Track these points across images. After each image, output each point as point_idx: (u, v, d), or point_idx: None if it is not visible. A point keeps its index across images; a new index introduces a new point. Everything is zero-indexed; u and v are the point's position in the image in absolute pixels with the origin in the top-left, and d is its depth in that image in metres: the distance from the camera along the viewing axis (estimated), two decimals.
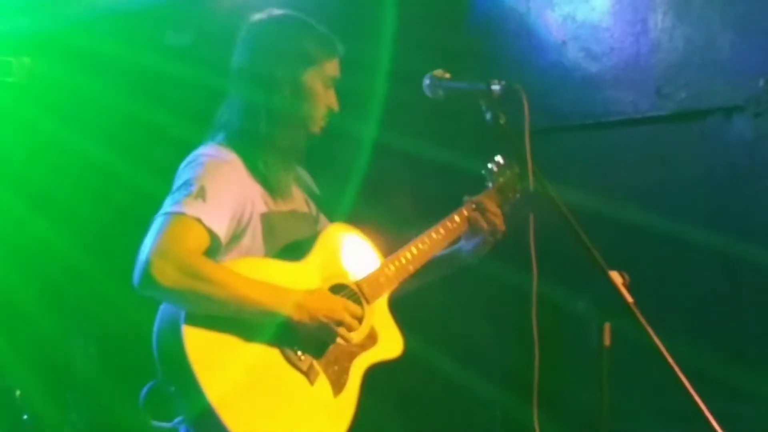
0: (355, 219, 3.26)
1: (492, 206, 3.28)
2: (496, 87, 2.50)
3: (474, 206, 3.29)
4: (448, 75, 2.73)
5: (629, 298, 2.21)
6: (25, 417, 4.46)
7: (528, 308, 2.51)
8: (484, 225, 3.26)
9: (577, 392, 3.46)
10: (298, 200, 3.17)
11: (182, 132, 4.38)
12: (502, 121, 2.48)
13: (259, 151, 2.98)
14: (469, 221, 3.28)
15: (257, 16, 3.10)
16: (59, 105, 4.93)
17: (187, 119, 4.58)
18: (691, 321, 4.53)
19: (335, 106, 3.06)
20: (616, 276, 2.24)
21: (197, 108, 4.75)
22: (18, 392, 4.49)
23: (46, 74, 4.95)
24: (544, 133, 4.97)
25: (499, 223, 3.27)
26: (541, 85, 5.17)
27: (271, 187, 3.00)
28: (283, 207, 3.05)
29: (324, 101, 3.03)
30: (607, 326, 2.24)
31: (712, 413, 2.19)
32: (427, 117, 4.86)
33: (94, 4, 4.84)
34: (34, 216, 4.86)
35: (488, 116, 2.51)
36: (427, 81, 2.75)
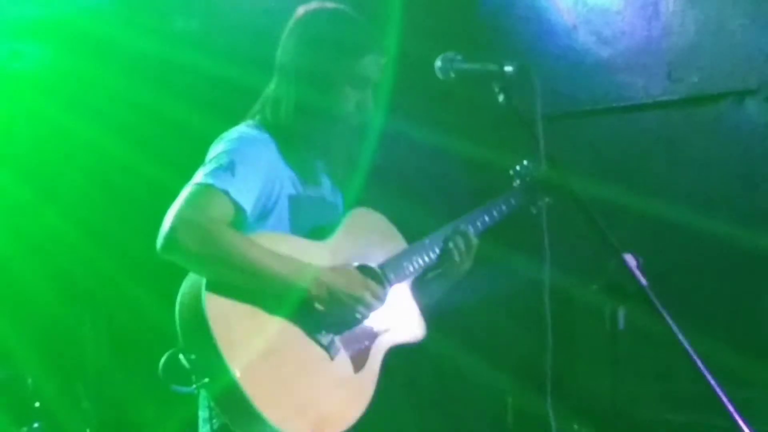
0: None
1: (466, 241, 3.18)
2: (508, 68, 2.48)
3: (454, 232, 3.19)
4: (459, 57, 2.71)
5: (643, 281, 2.18)
6: (37, 404, 4.47)
7: (539, 294, 2.49)
8: (456, 256, 3.17)
9: (590, 377, 3.45)
10: (328, 189, 3.17)
11: (190, 119, 4.39)
12: (514, 103, 2.46)
13: (290, 138, 2.98)
14: (446, 246, 3.18)
15: (302, 9, 3.10)
16: (67, 91, 4.92)
17: (196, 106, 4.59)
18: (702, 307, 4.50)
19: (369, 106, 3.04)
20: (629, 258, 2.21)
21: (205, 95, 4.77)
22: (30, 380, 4.50)
23: (54, 60, 4.95)
24: (555, 118, 4.97)
25: (467, 260, 3.19)
26: (551, 69, 5.16)
27: (301, 172, 3.01)
28: (312, 193, 3.06)
29: (352, 100, 3.00)
30: (620, 310, 2.22)
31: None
32: (435, 103, 4.84)
33: None
34: (44, 204, 4.86)
35: (501, 98, 2.48)
36: (438, 63, 2.72)
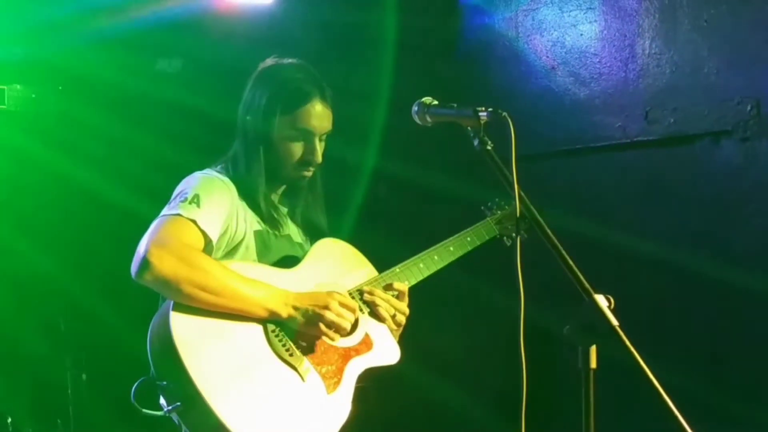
0: (353, 244, 3.30)
1: (381, 294, 3.16)
2: (483, 114, 2.49)
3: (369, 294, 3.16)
4: (436, 102, 2.72)
5: (614, 321, 2.21)
6: None
7: (516, 329, 2.51)
8: (383, 313, 3.14)
9: (566, 415, 3.48)
10: (293, 230, 3.24)
11: (171, 156, 4.43)
12: (489, 148, 2.48)
13: (249, 189, 3.07)
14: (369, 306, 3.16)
15: (260, 66, 3.20)
16: (50, 131, 4.95)
17: (176, 144, 4.63)
18: (677, 344, 4.55)
19: (312, 158, 3.10)
20: (601, 299, 2.24)
21: (186, 133, 4.82)
22: (9, 419, 4.48)
23: (36, 101, 4.98)
24: (533, 158, 5.03)
25: (400, 309, 3.19)
26: (530, 110, 5.22)
27: (262, 216, 3.09)
28: (278, 232, 3.14)
29: (296, 152, 3.08)
30: (593, 349, 2.25)
31: None
32: (422, 144, 4.90)
33: (84, 31, 4.86)
34: (24, 241, 4.87)
35: (476, 143, 2.51)
36: (415, 108, 2.74)
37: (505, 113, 2.44)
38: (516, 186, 2.38)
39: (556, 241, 2.33)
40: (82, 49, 4.98)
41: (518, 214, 2.41)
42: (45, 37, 4.88)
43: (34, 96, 4.98)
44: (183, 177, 3.07)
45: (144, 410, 2.75)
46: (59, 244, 4.97)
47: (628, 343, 2.19)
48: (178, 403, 2.68)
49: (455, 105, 2.65)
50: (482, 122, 2.50)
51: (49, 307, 4.99)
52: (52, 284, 4.93)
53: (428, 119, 2.72)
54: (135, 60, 5.10)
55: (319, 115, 3.09)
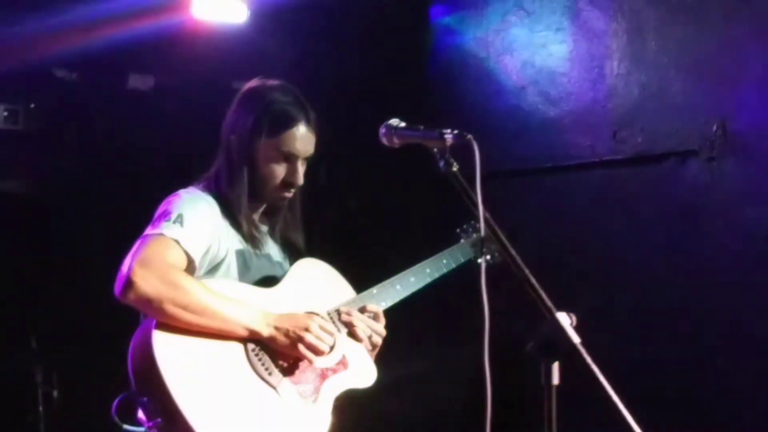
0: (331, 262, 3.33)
1: (359, 315, 3.19)
2: (448, 135, 2.50)
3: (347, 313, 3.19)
4: (403, 123, 2.72)
5: (576, 339, 2.24)
6: None
7: (481, 347, 2.53)
8: (360, 334, 3.17)
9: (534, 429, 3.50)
10: (273, 248, 3.28)
11: (147, 172, 4.44)
12: (454, 169, 2.51)
13: (231, 207, 3.10)
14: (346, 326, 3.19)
15: (244, 86, 3.23)
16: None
17: (153, 159, 4.65)
18: (647, 357, 4.59)
19: (294, 181, 3.14)
20: (563, 317, 2.27)
21: (163, 148, 4.84)
22: None
23: (8, 119, 4.98)
24: (503, 176, 5.08)
25: (377, 330, 3.22)
26: (500, 129, 5.28)
27: (243, 235, 3.12)
28: (258, 251, 3.17)
29: (279, 174, 3.12)
30: (555, 366, 2.28)
31: None
32: (398, 162, 4.94)
33: (55, 48, 4.88)
34: None
35: (441, 164, 2.53)
36: (382, 130, 2.74)
37: (469, 136, 2.46)
38: (480, 207, 2.40)
39: (519, 260, 2.36)
40: (55, 66, 4.99)
41: (482, 234, 2.43)
42: (17, 54, 4.89)
43: (6, 114, 4.99)
44: (163, 193, 3.10)
45: (124, 426, 2.77)
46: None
47: (589, 360, 2.22)
48: (159, 419, 2.70)
49: (421, 127, 2.66)
50: (448, 144, 2.51)
51: (21, 322, 4.98)
52: (23, 299, 4.93)
53: (395, 140, 2.71)
54: (107, 77, 5.11)
55: (303, 138, 3.12)
